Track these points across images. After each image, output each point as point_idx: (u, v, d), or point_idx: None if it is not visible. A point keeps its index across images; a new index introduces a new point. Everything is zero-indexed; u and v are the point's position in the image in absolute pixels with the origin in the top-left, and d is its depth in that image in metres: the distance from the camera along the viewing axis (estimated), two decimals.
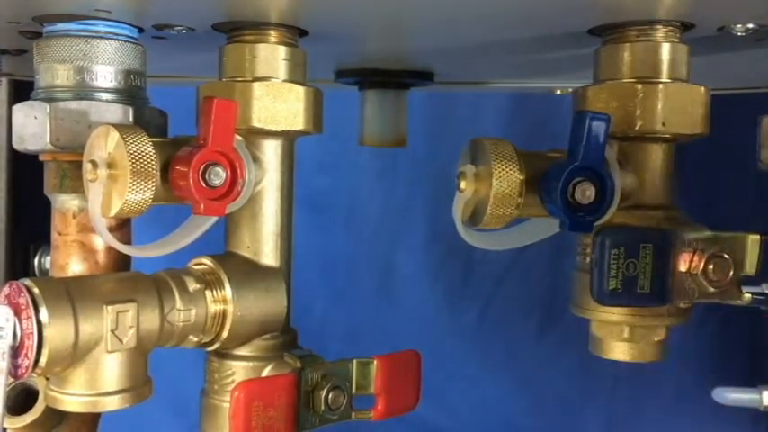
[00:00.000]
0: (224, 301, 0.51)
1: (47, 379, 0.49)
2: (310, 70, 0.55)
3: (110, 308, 0.46)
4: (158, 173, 0.48)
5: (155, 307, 0.48)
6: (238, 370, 0.53)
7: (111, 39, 0.52)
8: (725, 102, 0.61)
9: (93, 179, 0.48)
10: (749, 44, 0.56)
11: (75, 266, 0.53)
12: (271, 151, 0.54)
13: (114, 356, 0.47)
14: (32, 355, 0.44)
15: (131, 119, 0.52)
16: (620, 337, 0.54)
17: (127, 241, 0.54)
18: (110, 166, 0.47)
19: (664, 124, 0.51)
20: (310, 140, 0.56)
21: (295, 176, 0.55)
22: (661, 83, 0.52)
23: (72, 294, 0.45)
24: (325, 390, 0.51)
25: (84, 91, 0.52)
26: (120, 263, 0.54)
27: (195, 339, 0.51)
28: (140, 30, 0.54)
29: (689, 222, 0.53)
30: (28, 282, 0.45)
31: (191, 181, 0.47)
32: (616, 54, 0.53)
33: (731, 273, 0.50)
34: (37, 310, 0.44)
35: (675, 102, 0.51)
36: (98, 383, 0.47)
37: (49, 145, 0.51)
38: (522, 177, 0.49)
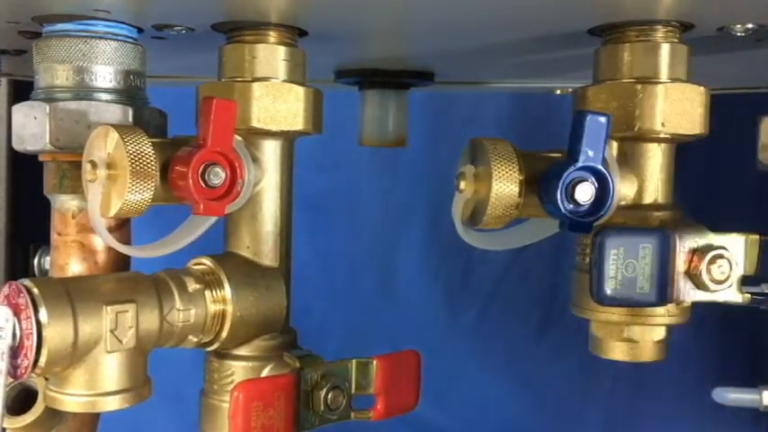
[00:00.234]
0: (223, 301, 0.51)
1: (46, 379, 0.49)
2: (310, 70, 0.55)
3: (109, 308, 0.46)
4: (158, 173, 0.48)
5: (154, 307, 0.48)
6: (238, 370, 0.53)
7: (111, 39, 0.52)
8: (725, 102, 0.60)
9: (92, 179, 0.48)
10: (749, 44, 0.56)
11: (75, 267, 0.53)
12: (270, 151, 0.54)
13: (114, 357, 0.47)
14: (32, 356, 0.44)
15: (131, 119, 0.52)
16: (619, 337, 0.54)
17: (126, 241, 0.53)
18: (109, 166, 0.47)
19: (663, 124, 0.51)
20: (310, 140, 0.56)
21: (295, 176, 0.55)
22: (661, 83, 0.52)
23: (71, 295, 0.45)
24: (325, 390, 0.51)
25: (83, 91, 0.52)
26: (120, 263, 0.54)
27: (195, 339, 0.51)
28: (140, 30, 0.54)
29: (689, 222, 0.53)
30: (27, 282, 0.45)
31: (190, 181, 0.47)
32: (616, 54, 0.53)
33: (731, 273, 0.50)
34: (36, 311, 0.44)
35: (675, 102, 0.51)
36: (97, 384, 0.47)
37: (48, 145, 0.51)
38: (521, 177, 0.49)
